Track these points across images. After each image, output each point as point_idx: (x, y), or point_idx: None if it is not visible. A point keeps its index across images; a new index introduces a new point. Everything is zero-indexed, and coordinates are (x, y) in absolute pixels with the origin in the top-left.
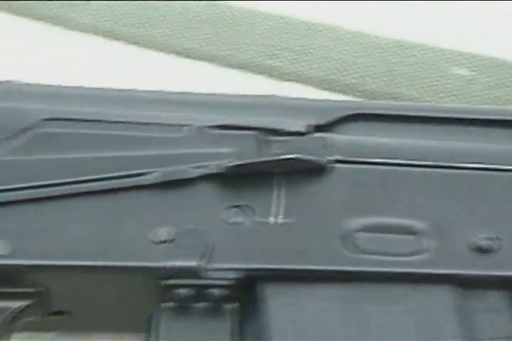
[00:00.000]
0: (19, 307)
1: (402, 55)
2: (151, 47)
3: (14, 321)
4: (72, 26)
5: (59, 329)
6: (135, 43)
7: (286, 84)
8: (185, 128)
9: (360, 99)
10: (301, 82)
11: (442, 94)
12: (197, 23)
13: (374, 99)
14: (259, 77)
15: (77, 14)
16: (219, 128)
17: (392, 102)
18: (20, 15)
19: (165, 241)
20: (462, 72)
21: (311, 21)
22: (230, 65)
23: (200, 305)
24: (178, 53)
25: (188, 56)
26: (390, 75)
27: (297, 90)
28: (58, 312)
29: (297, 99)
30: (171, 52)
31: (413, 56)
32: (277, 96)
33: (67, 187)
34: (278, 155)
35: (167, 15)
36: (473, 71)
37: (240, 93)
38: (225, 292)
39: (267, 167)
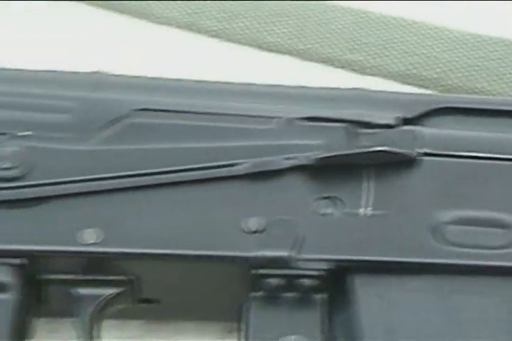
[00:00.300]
0: (111, 294)
1: (484, 50)
2: (232, 41)
3: (106, 308)
4: (155, 20)
5: (146, 318)
6: (216, 37)
7: (367, 78)
8: (275, 120)
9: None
10: (382, 77)
11: None
12: (278, 17)
13: (455, 93)
14: (340, 71)
15: (160, 8)
16: (308, 120)
17: (478, 96)
18: (106, 8)
19: (256, 231)
20: None
21: (392, 16)
22: (311, 59)
23: (290, 295)
24: (260, 47)
25: (269, 50)
26: (472, 70)
27: (378, 84)
28: (147, 300)
29: (384, 92)
30: (252, 45)
31: (495, 51)
32: (364, 89)
33: (159, 176)
34: (367, 147)
35: (248, 9)
36: None
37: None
38: (314, 282)
39: (357, 159)
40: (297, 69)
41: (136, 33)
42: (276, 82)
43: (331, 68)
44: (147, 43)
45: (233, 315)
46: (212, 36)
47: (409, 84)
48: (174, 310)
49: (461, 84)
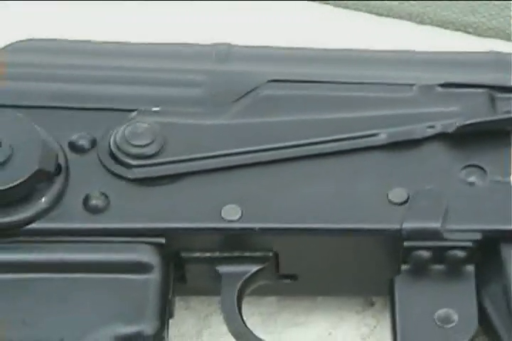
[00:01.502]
0: (254, 271)
1: None
2: (346, 7)
3: (249, 285)
4: None
5: (282, 294)
6: (332, 4)
7: (486, 40)
8: (414, 87)
9: None
10: (502, 38)
11: None
12: None
13: None
14: (458, 33)
15: None
16: (447, 86)
17: None
18: None
19: (403, 203)
20: None
21: None
22: (428, 23)
23: (440, 267)
24: (371, 12)
25: (381, 14)
26: None
27: (498, 47)
28: (288, 276)
29: None
30: (364, 11)
31: None
32: (499, 53)
33: (297, 149)
34: (509, 112)
35: None
36: None
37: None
38: (465, 254)
39: (499, 125)
40: (413, 33)
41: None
42: (393, 47)
43: (447, 31)
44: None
45: (376, 289)
46: (328, 4)
47: None
48: (313, 285)
49: None
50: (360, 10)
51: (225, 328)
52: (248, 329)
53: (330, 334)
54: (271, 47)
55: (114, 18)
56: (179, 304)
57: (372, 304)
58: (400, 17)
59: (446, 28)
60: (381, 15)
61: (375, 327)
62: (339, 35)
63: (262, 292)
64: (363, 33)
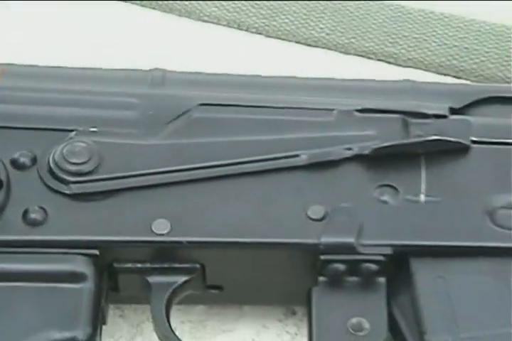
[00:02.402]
0: (182, 281)
1: None
2: (274, 37)
3: (177, 294)
4: (200, 18)
5: (209, 303)
6: (258, 33)
7: (406, 70)
8: (334, 112)
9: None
10: (420, 68)
11: None
12: (318, 13)
13: (490, 83)
14: (379, 63)
15: (207, 6)
16: (365, 111)
17: None
18: (150, 7)
19: (321, 219)
20: None
21: (428, 9)
22: (351, 53)
23: (354, 279)
24: (300, 42)
25: (309, 45)
26: (504, 61)
27: (416, 76)
28: (214, 287)
29: (432, 83)
30: (293, 41)
31: None
32: (414, 81)
33: (224, 168)
34: (421, 136)
35: (289, 6)
36: None
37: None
38: (377, 267)
39: (412, 148)
40: (338, 62)
41: (182, 31)
42: (318, 76)
43: (370, 61)
44: (190, 41)
45: (296, 299)
46: (255, 32)
47: (445, 74)
48: (238, 295)
49: (494, 74)
50: (291, 40)
51: (155, 335)
52: (175, 335)
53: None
54: (203, 73)
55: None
56: (114, 312)
57: (293, 313)
58: (328, 47)
59: (370, 58)
60: (310, 45)
61: (296, 334)
62: (271, 63)
63: (192, 301)
64: (292, 62)
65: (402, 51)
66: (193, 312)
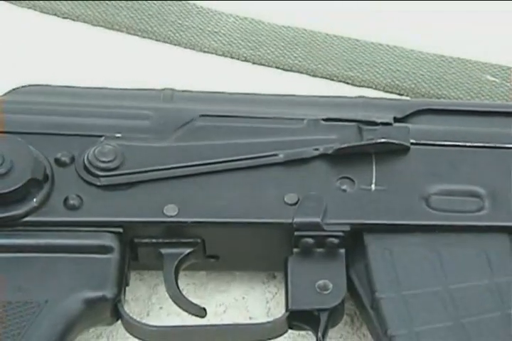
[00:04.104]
0: (187, 252)
1: (446, 66)
2: (259, 64)
3: (183, 262)
4: (201, 49)
5: (209, 269)
6: (247, 61)
7: (361, 89)
8: (305, 120)
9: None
10: (372, 88)
11: (479, 95)
12: (293, 44)
13: (428, 99)
14: (341, 84)
15: (207, 39)
16: (328, 120)
17: (449, 100)
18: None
19: (295, 204)
20: (492, 78)
21: (377, 42)
22: (318, 76)
23: (320, 250)
24: (279, 68)
25: (286, 70)
26: (437, 82)
27: (369, 93)
28: (212, 257)
29: (381, 98)
30: (274, 67)
31: (454, 67)
32: (367, 97)
33: (219, 165)
34: (372, 140)
35: (270, 39)
36: (499, 78)
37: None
38: (338, 240)
39: (365, 149)
40: (308, 83)
41: (183, 62)
42: (293, 94)
43: (333, 82)
44: (196, 67)
45: (276, 266)
46: (244, 60)
47: (391, 92)
48: (231, 263)
49: (431, 91)
50: (272, 66)
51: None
52: (182, 294)
53: (244, 298)
54: (203, 92)
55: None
56: (135, 276)
57: (274, 277)
58: (300, 72)
59: (332, 79)
60: (286, 70)
61: (276, 293)
62: (256, 84)
63: (195, 268)
64: (273, 83)
65: (358, 74)
66: (196, 277)
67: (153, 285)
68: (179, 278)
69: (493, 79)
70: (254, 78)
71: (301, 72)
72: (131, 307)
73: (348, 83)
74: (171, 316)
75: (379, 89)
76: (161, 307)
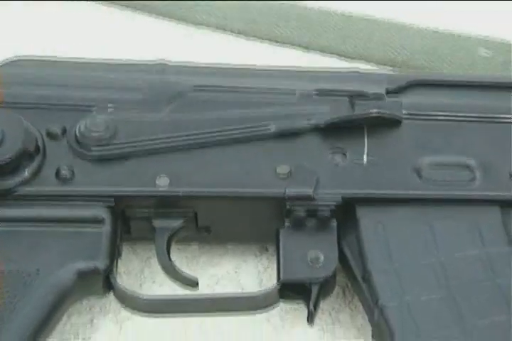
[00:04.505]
0: (179, 224)
1: (437, 40)
2: (254, 38)
3: (176, 235)
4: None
5: (201, 242)
6: (241, 34)
7: (354, 63)
8: (297, 93)
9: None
10: (365, 61)
11: (472, 69)
12: (286, 18)
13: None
14: (334, 57)
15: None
16: (321, 93)
17: (443, 73)
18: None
19: (287, 175)
20: (483, 53)
21: (370, 18)
22: (312, 50)
23: (312, 222)
24: (273, 41)
25: (281, 43)
26: (430, 56)
27: (362, 67)
28: (204, 229)
29: (373, 72)
30: (267, 40)
31: (448, 42)
32: (358, 70)
33: (211, 136)
34: (364, 112)
35: (265, 14)
36: (492, 52)
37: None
38: (330, 212)
39: (357, 121)
40: (302, 57)
41: (176, 35)
42: (286, 66)
43: (326, 56)
44: (191, 40)
45: (268, 238)
46: (237, 34)
47: (385, 65)
48: (223, 235)
49: (424, 65)
50: (264, 39)
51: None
52: (174, 265)
53: (236, 271)
54: (196, 64)
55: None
56: (127, 249)
57: (266, 250)
58: (293, 45)
59: (325, 53)
60: (279, 42)
61: (268, 266)
62: (250, 57)
63: (187, 241)
64: (266, 56)
65: (350, 48)
66: (189, 251)
67: (146, 258)
68: (171, 252)
69: (486, 52)
70: (247, 52)
71: (294, 46)
72: (124, 280)
73: (341, 57)
74: (163, 289)
75: (372, 63)
76: (153, 281)
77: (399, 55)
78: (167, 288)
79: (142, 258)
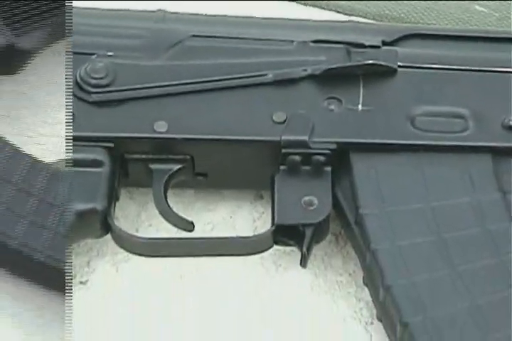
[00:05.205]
0: (176, 168)
1: None
2: None
3: (172, 179)
4: None
5: (198, 188)
6: None
7: (351, 17)
8: (294, 42)
9: None
10: (362, 17)
11: (468, 25)
12: None
13: None
14: (331, 13)
15: None
16: (318, 42)
17: (439, 26)
18: None
19: (284, 122)
20: (480, 8)
21: None
22: (308, 4)
23: (307, 168)
24: None
25: None
26: (427, 12)
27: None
28: (200, 174)
29: (370, 23)
30: None
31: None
32: (356, 21)
33: (209, 83)
34: (360, 61)
35: None
36: (488, 8)
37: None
38: (324, 158)
39: (353, 70)
40: (299, 12)
41: None
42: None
43: (324, 11)
44: None
45: (263, 185)
46: None
47: (382, 20)
48: (219, 181)
49: (421, 21)
50: None
51: (157, 211)
52: (171, 208)
53: (231, 217)
54: (195, 13)
55: None
56: (125, 194)
57: (261, 197)
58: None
59: (323, 8)
60: None
61: (263, 213)
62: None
63: (184, 186)
64: (270, 9)
65: (348, 3)
66: (185, 196)
67: (143, 203)
68: (168, 197)
69: (482, 9)
70: (244, 6)
71: (292, 0)
72: (121, 224)
73: (338, 12)
74: (160, 232)
75: (369, 18)
76: (150, 224)
77: (395, 10)
78: (163, 232)
79: (139, 203)
